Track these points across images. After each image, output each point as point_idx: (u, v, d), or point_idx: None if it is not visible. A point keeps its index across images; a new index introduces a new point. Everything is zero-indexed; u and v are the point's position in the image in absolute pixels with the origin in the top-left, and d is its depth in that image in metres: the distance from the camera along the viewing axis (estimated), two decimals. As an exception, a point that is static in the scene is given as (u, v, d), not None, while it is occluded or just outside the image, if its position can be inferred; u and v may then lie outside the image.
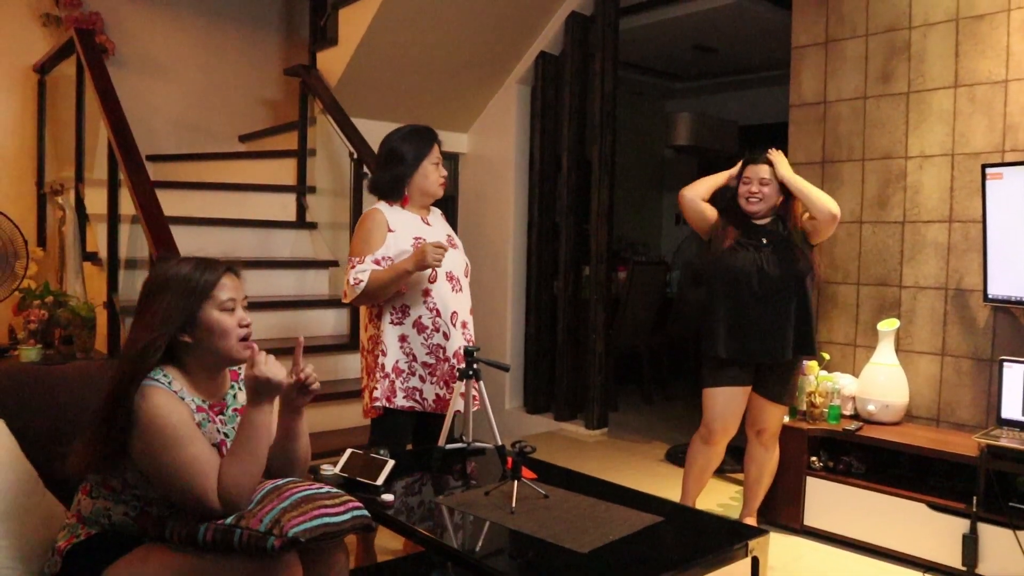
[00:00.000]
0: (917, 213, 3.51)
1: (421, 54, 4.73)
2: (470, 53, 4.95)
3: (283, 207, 4.64)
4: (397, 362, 2.64)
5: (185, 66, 5.38)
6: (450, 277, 2.68)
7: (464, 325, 2.73)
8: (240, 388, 1.91)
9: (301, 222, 4.65)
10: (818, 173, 3.82)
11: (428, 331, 2.64)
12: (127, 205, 3.42)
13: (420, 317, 2.64)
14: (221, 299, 1.77)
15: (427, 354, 2.65)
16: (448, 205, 5.74)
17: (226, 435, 1.83)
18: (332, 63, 4.69)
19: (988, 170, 3.15)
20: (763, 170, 3.01)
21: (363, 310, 2.78)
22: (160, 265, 1.82)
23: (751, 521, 3.23)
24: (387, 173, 2.70)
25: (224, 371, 1.87)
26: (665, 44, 6.45)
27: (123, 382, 1.67)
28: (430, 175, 2.70)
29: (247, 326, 1.81)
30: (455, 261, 2.72)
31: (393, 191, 2.70)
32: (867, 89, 3.67)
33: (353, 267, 2.58)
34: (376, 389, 2.64)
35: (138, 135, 3.49)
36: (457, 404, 2.44)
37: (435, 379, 2.66)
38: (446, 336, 2.66)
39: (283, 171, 4.80)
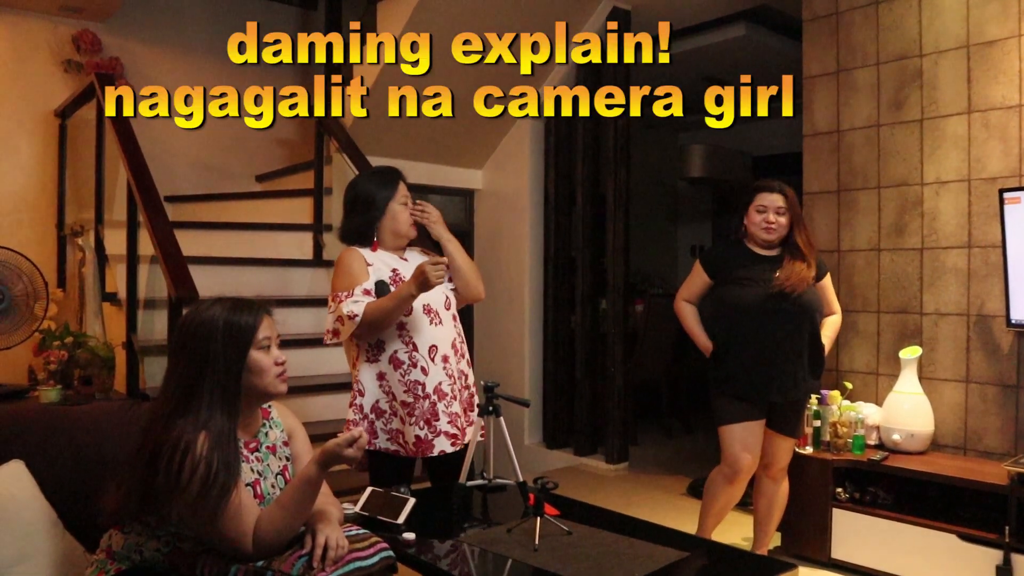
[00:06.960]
0: (935, 239, 3.49)
1: (435, 92, 4.77)
2: (483, 90, 4.99)
3: (300, 245, 4.67)
4: (377, 402, 2.52)
5: (203, 108, 5.45)
6: (427, 310, 2.54)
7: (446, 359, 2.56)
8: (271, 427, 1.94)
9: (318, 260, 4.66)
10: (834, 202, 3.81)
11: (405, 367, 2.50)
12: (146, 246, 3.45)
13: (396, 352, 2.50)
14: (258, 338, 1.80)
15: (405, 392, 2.49)
16: (464, 241, 5.73)
17: (260, 473, 1.84)
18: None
19: (1006, 194, 3.13)
20: (778, 199, 2.99)
21: (348, 352, 2.64)
22: (195, 310, 1.82)
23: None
24: (354, 220, 2.60)
25: (257, 409, 1.89)
26: (676, 77, 6.47)
27: (195, 433, 1.67)
28: (398, 216, 2.59)
29: (282, 364, 1.85)
30: (432, 293, 2.52)
31: (363, 237, 2.59)
32: (880, 117, 3.68)
33: (342, 301, 2.45)
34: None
35: (157, 177, 3.54)
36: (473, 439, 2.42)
37: (414, 419, 2.48)
38: (424, 371, 2.50)
39: (300, 210, 4.83)
